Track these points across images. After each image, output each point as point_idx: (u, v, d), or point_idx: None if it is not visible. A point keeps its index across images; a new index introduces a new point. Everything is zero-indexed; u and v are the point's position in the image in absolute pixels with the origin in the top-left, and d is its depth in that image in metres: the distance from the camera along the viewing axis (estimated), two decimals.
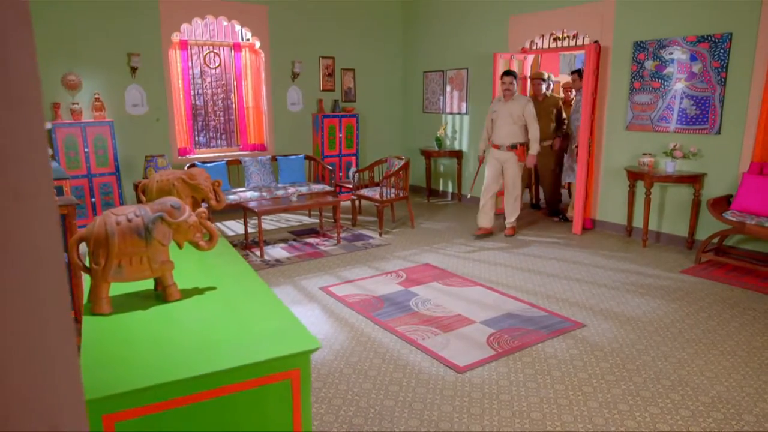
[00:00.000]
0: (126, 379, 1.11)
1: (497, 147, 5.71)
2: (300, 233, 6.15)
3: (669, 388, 2.87)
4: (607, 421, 2.58)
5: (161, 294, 1.59)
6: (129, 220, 1.40)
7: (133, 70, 6.28)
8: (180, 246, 1.55)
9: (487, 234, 5.93)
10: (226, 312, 1.51)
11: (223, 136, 7.41)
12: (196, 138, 7.17)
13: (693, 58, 5.18)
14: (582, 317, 3.80)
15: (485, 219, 5.88)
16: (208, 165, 6.22)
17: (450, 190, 8.15)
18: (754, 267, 4.67)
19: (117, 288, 1.61)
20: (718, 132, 5.09)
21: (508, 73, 5.61)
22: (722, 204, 4.91)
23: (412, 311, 3.93)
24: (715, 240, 5.03)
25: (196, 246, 1.56)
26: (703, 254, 4.96)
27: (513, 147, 5.66)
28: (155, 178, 2.02)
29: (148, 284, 1.69)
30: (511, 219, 5.92)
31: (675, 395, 2.80)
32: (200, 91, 7.11)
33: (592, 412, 2.65)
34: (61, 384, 0.56)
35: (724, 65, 4.97)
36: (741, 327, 3.62)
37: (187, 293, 1.62)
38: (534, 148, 5.65)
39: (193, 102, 7.04)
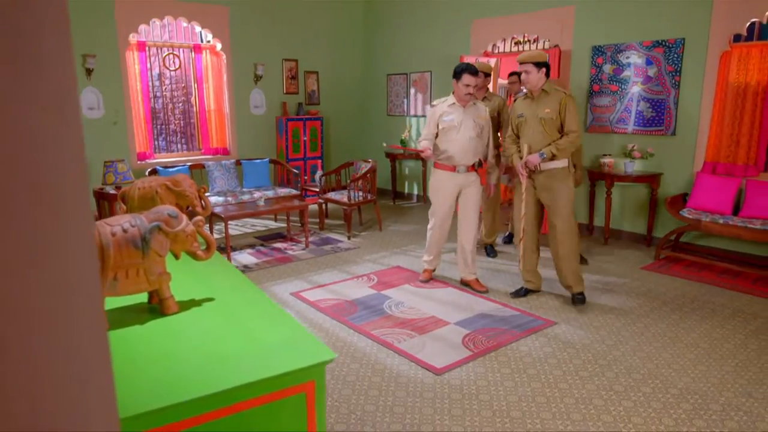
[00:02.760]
0: (136, 400, 1.05)
1: (452, 169, 4.20)
2: (267, 238, 6.06)
3: (640, 381, 2.97)
4: (584, 417, 2.64)
5: (157, 307, 1.52)
6: (125, 231, 1.33)
7: (89, 71, 6.05)
8: (177, 256, 1.48)
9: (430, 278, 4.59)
10: (230, 324, 1.45)
11: (183, 140, 7.22)
12: (156, 142, 6.97)
13: (649, 63, 5.38)
14: (552, 315, 3.88)
15: (435, 258, 4.54)
16: (170, 170, 6.05)
17: (415, 192, 8.20)
18: (709, 262, 4.89)
19: (108, 302, 1.53)
20: (673, 133, 5.31)
21: (476, 71, 4.13)
22: (678, 202, 5.12)
23: (386, 314, 3.92)
24: (672, 237, 5.24)
25: (194, 256, 1.50)
26: (662, 251, 5.15)
27: (479, 166, 4.30)
28: (137, 185, 1.93)
29: (140, 297, 1.61)
30: (474, 269, 4.46)
31: (646, 388, 2.90)
32: (159, 94, 6.92)
33: (570, 409, 2.71)
34: (94, 405, 0.53)
35: (678, 69, 5.19)
36: (701, 320, 3.78)
37: (183, 305, 1.55)
38: (495, 175, 4.44)
39: (152, 105, 6.84)
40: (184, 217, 1.44)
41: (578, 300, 4.03)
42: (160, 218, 1.39)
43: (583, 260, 4.88)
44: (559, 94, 3.88)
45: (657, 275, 4.74)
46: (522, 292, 4.24)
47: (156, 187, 1.90)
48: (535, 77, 3.90)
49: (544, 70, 3.90)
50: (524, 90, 4.32)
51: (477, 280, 4.44)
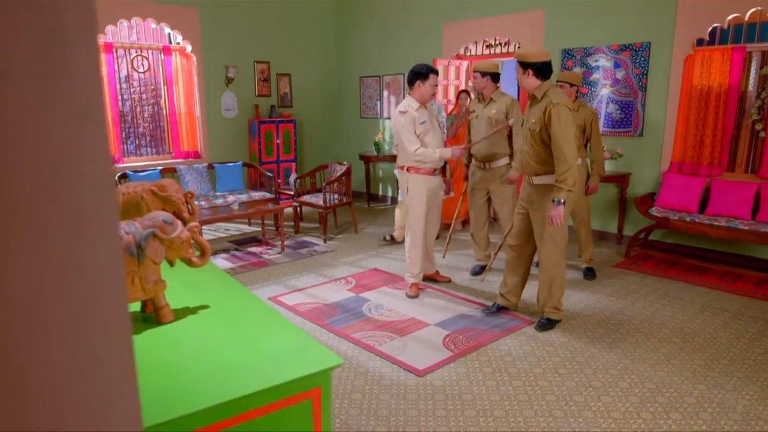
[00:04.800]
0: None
1: (430, 173, 4.11)
2: (241, 242, 5.98)
3: (617, 377, 3.04)
4: (565, 413, 2.69)
5: (151, 316, 1.48)
6: (120, 238, 1.29)
7: None
8: (172, 263, 1.45)
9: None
10: (230, 332, 1.41)
11: (153, 144, 7.07)
12: (124, 146, 6.80)
13: (617, 66, 5.53)
14: (529, 314, 3.94)
15: (421, 270, 4.37)
16: (141, 174, 5.92)
17: (389, 194, 8.21)
18: (678, 259, 5.05)
19: None
20: (641, 134, 5.46)
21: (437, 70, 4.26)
22: (647, 201, 5.27)
23: (366, 317, 3.92)
24: (642, 235, 5.38)
25: (189, 263, 1.47)
26: (632, 249, 5.29)
27: (445, 169, 4.36)
28: (121, 191, 1.87)
29: (132, 306, 1.56)
30: (434, 261, 4.58)
31: (623, 383, 2.97)
32: (127, 96, 6.76)
33: (551, 406, 2.76)
34: (119, 416, 0.52)
35: (645, 72, 5.35)
36: (672, 315, 3.90)
37: (178, 313, 1.50)
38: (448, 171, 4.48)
39: (120, 108, 6.68)
40: (179, 223, 1.40)
41: (540, 324, 3.68)
42: (155, 224, 1.35)
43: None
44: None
45: (628, 273, 4.86)
46: (494, 308, 3.94)
47: (141, 193, 1.84)
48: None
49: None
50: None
51: (438, 271, 4.63)
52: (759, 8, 4.67)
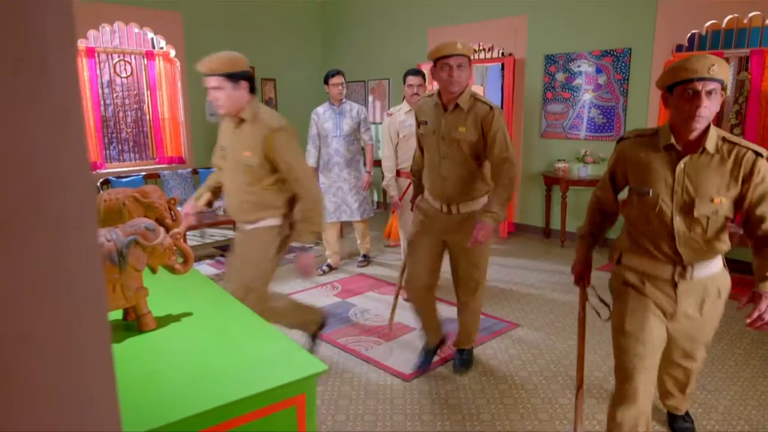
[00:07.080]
0: (124, 423, 0.99)
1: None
2: (227, 248, 5.93)
3: (601, 379, 3.07)
4: (551, 416, 2.71)
5: (133, 324, 1.46)
6: (100, 245, 1.28)
7: None
8: (154, 271, 1.43)
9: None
10: (214, 339, 1.40)
11: (136, 149, 7.00)
12: (107, 151, 6.73)
13: (598, 71, 5.60)
14: (515, 317, 3.97)
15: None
16: (124, 180, 5.86)
17: (375, 198, 8.22)
18: None
19: None
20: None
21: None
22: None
23: (352, 322, 3.91)
24: None
25: (171, 270, 1.45)
26: None
27: None
28: (102, 197, 1.84)
29: (113, 314, 1.54)
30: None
31: (607, 385, 3.00)
32: (109, 102, 6.69)
33: (537, 408, 2.78)
34: (100, 426, 0.52)
35: (626, 77, 5.43)
36: None
37: (161, 321, 1.49)
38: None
39: (103, 113, 6.61)
40: (162, 230, 1.39)
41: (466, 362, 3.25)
42: (136, 231, 1.33)
43: None
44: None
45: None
46: None
47: (123, 199, 1.82)
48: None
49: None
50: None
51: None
52: (736, 15, 4.76)
